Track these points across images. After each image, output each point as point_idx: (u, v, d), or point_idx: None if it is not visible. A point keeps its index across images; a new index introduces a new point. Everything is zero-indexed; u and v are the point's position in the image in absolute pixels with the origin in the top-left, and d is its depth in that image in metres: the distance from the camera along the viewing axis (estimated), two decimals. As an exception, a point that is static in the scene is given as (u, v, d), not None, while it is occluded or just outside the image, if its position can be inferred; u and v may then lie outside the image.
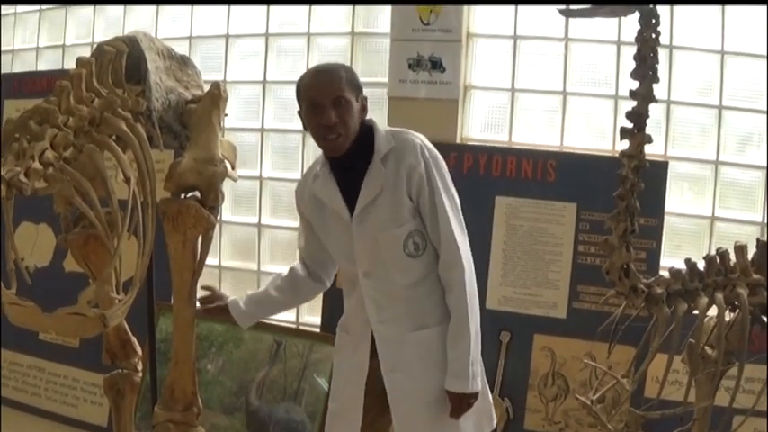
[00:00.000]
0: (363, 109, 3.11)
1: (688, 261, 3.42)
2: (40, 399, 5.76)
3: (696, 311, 3.37)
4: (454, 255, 3.06)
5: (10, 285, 3.41)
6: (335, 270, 3.54)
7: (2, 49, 6.50)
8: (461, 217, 3.13)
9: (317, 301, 5.08)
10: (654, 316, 3.40)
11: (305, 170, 3.43)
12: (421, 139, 3.11)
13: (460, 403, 3.09)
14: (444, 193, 3.06)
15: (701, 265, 3.42)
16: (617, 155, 3.39)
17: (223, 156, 3.73)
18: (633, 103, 3.29)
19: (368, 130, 3.12)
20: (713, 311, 3.41)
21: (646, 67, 3.26)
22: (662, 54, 3.37)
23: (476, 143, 4.92)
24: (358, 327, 3.25)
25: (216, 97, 3.78)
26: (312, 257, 3.46)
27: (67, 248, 4.09)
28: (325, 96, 3.01)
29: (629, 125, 3.29)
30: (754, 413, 3.53)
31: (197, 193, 3.67)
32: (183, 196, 3.65)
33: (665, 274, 3.51)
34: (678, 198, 4.65)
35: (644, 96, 3.27)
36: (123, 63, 3.58)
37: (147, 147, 3.54)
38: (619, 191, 3.29)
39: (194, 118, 3.78)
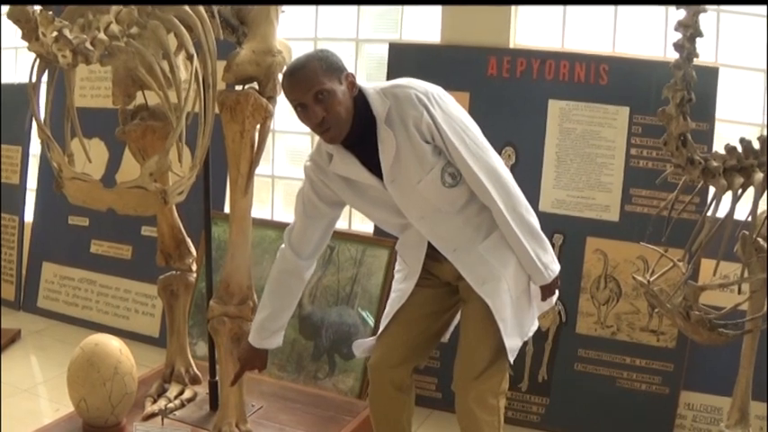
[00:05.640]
0: (351, 86, 3.09)
1: (743, 140, 3.42)
2: (92, 312, 5.88)
3: (752, 186, 3.38)
4: (479, 185, 3.08)
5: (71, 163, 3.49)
6: (322, 250, 3.54)
7: None
8: (477, 137, 3.14)
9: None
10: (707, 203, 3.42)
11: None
12: (412, 86, 3.11)
13: (549, 290, 3.28)
14: (450, 131, 3.06)
15: (756, 145, 3.43)
16: (669, 60, 3.40)
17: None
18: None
19: (362, 99, 3.12)
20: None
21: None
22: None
23: (529, 48, 4.89)
24: (411, 261, 3.35)
25: (274, -8, 3.82)
26: (307, 241, 3.41)
27: (125, 141, 4.15)
28: (305, 94, 3.03)
29: (685, -2, 3.30)
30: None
31: (255, 85, 3.72)
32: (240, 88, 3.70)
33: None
34: (727, 106, 4.59)
35: (698, -30, 3.29)
36: (183, -48, 3.62)
37: (208, 28, 3.56)
38: (676, 60, 3.30)
39: (252, 12, 3.80)
